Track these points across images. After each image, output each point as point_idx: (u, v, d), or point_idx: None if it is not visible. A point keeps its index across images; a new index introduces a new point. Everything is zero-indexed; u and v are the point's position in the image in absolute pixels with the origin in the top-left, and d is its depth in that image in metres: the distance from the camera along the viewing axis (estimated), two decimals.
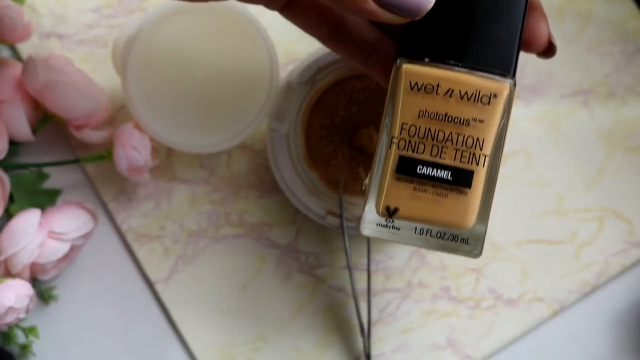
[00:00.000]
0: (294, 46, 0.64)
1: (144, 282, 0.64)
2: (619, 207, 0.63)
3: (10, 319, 0.57)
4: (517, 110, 0.63)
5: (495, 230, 0.63)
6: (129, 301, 0.64)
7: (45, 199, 0.63)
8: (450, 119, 0.40)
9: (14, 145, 0.62)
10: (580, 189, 0.63)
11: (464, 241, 0.42)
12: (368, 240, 0.59)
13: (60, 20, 0.64)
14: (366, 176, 0.60)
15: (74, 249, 0.60)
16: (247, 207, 0.64)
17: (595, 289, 0.63)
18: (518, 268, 0.63)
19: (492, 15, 0.40)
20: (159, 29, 0.59)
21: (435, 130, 0.41)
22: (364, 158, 0.60)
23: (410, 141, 0.41)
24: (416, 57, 0.41)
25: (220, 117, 0.59)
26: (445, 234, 0.41)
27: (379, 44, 0.46)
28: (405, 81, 0.41)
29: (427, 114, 0.40)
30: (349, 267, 0.59)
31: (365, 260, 0.62)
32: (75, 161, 0.62)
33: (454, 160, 0.41)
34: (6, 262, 0.58)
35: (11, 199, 0.61)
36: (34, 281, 0.62)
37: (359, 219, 0.59)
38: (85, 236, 0.60)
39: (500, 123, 0.41)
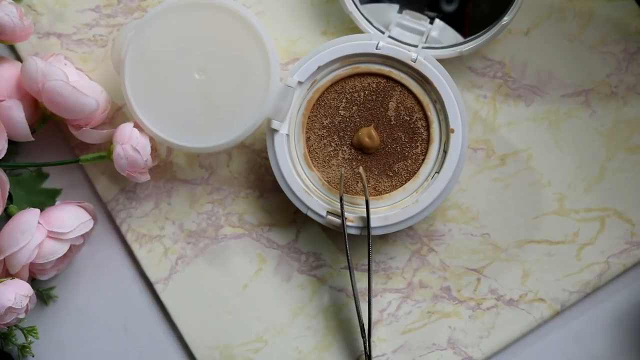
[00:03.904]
0: (294, 46, 0.64)
1: (144, 282, 0.64)
2: (620, 207, 0.63)
3: (9, 319, 0.57)
4: (518, 110, 0.63)
5: (496, 230, 0.63)
6: (128, 301, 0.64)
7: (44, 199, 0.63)
8: None
9: (13, 144, 0.62)
10: (581, 189, 0.63)
11: None
12: (369, 240, 0.58)
13: (59, 19, 0.64)
14: (366, 175, 0.59)
15: (73, 249, 0.60)
16: (247, 207, 0.64)
17: (596, 289, 0.63)
18: (519, 268, 0.63)
19: None
20: (158, 28, 0.59)
21: None
22: (365, 158, 0.60)
23: None
24: None
25: (220, 117, 0.59)
26: None
27: None
28: None
29: None
30: (349, 268, 0.59)
31: (365, 261, 0.62)
32: (75, 161, 0.61)
33: None
34: (5, 262, 0.58)
35: (10, 198, 0.61)
36: (33, 281, 0.62)
37: (360, 219, 0.59)
38: (85, 236, 0.60)
39: None
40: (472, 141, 0.63)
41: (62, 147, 0.64)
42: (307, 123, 0.60)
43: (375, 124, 0.60)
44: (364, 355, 0.62)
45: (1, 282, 0.57)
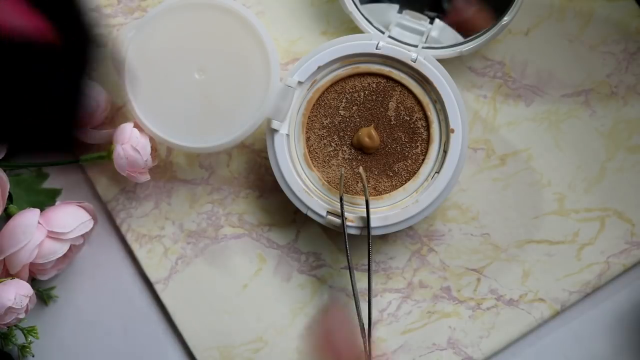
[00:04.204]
0: (294, 46, 0.64)
1: (144, 282, 0.64)
2: (620, 207, 0.63)
3: (9, 319, 0.57)
4: (518, 110, 0.63)
5: (496, 230, 0.63)
6: (128, 301, 0.64)
7: (44, 199, 0.63)
8: None
9: None
10: (581, 189, 0.63)
11: None
12: (369, 240, 0.58)
13: None
14: (366, 175, 0.59)
15: (73, 249, 0.60)
16: (247, 207, 0.64)
17: (596, 289, 0.63)
18: (519, 268, 0.63)
19: None
20: (158, 28, 0.59)
21: None
22: (365, 158, 0.60)
23: None
24: None
25: (220, 117, 0.59)
26: None
27: None
28: None
29: None
30: (349, 268, 0.59)
31: (365, 261, 0.62)
32: (75, 161, 0.61)
33: None
34: (5, 262, 0.58)
35: (10, 198, 0.61)
36: (33, 281, 0.62)
37: (360, 219, 0.59)
38: (85, 236, 0.60)
39: None
40: (472, 141, 0.63)
41: None
42: (307, 123, 0.60)
43: (375, 124, 0.60)
44: (364, 355, 0.62)
45: (1, 282, 0.57)
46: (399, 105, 0.60)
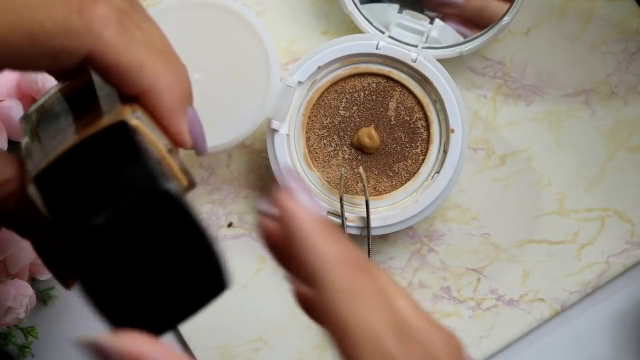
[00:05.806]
0: (294, 46, 0.63)
1: None
2: (620, 207, 0.63)
3: (9, 319, 0.57)
4: (519, 110, 0.63)
5: (497, 230, 0.63)
6: None
7: None
8: None
9: (13, 144, 0.62)
10: (581, 189, 0.63)
11: None
12: (368, 240, 0.58)
13: None
14: (366, 175, 0.59)
15: None
16: (247, 207, 0.64)
17: (596, 289, 0.63)
18: (519, 268, 0.63)
19: None
20: None
21: None
22: (365, 158, 0.60)
23: None
24: None
25: (220, 117, 0.59)
26: None
27: None
28: None
29: None
30: None
31: None
32: None
33: None
34: (5, 262, 0.58)
35: None
36: (33, 281, 0.62)
37: (360, 219, 0.59)
38: None
39: None
40: (472, 141, 0.63)
41: None
42: (307, 123, 0.60)
43: (375, 124, 0.60)
44: None
45: (1, 282, 0.57)
46: (399, 105, 0.60)
